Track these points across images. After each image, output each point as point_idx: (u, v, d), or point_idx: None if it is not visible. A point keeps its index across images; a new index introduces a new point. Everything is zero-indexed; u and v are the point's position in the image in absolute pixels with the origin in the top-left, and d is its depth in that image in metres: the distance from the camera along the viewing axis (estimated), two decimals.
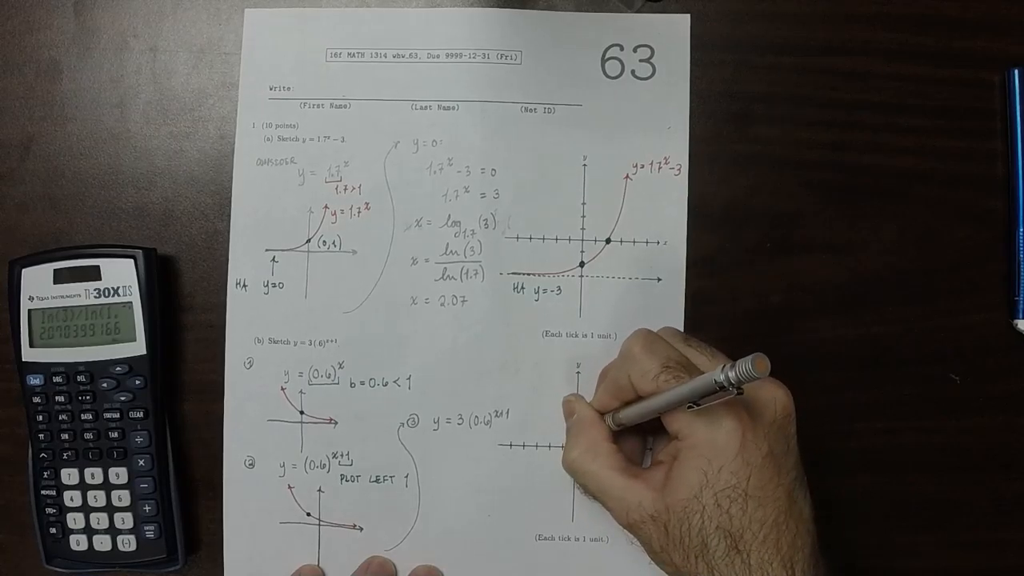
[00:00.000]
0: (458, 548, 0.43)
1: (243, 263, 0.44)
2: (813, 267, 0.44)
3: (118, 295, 0.42)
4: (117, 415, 0.42)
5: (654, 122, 0.44)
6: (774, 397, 0.36)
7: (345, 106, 0.44)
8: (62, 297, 0.42)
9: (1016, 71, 0.44)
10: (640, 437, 0.42)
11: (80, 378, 0.42)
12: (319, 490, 0.44)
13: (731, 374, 0.30)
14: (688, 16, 0.44)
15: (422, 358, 0.44)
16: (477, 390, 0.43)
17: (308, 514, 0.44)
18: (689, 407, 0.34)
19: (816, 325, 0.44)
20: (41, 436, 0.42)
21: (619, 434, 0.40)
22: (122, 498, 0.42)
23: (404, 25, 0.45)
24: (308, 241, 0.44)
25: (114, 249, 0.42)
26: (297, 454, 0.44)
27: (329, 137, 0.44)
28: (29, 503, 0.43)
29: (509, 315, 0.44)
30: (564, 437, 0.43)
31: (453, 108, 0.44)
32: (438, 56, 0.44)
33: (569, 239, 0.44)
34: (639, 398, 0.38)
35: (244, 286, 0.44)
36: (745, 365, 0.30)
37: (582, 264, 0.44)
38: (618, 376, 0.39)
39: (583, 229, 0.44)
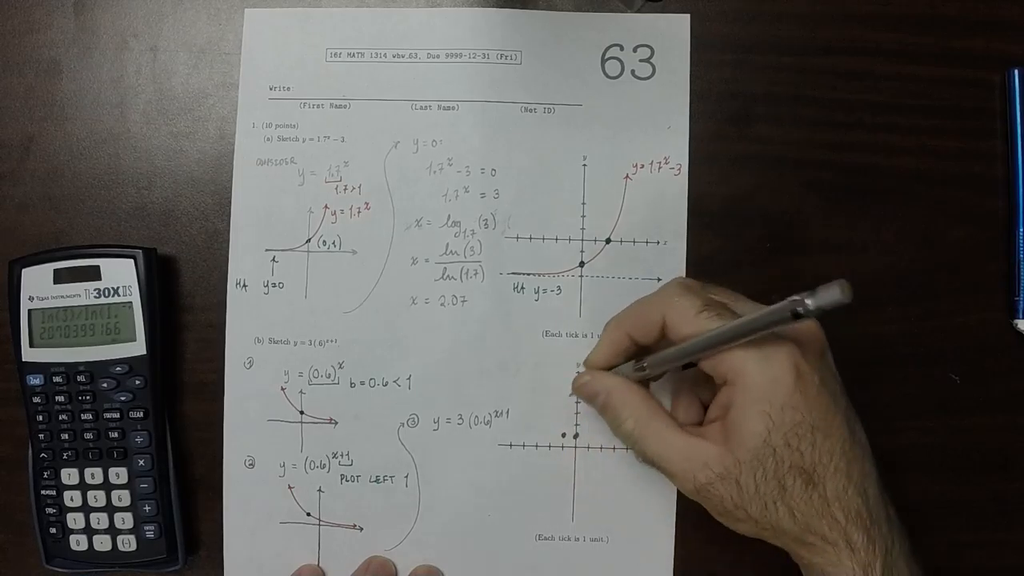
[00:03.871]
0: (458, 548, 0.43)
1: (243, 263, 0.44)
2: (813, 267, 0.44)
3: (118, 295, 0.42)
4: (117, 415, 0.42)
5: (654, 122, 0.44)
6: (808, 327, 0.35)
7: (345, 106, 0.44)
8: (62, 297, 0.42)
9: (1016, 71, 0.44)
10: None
11: (80, 378, 0.42)
12: (319, 490, 0.44)
13: (811, 301, 0.29)
14: (688, 16, 0.44)
15: (422, 358, 0.44)
16: (477, 390, 0.43)
17: (308, 514, 0.44)
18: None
19: None
20: (41, 436, 0.42)
21: None
22: (122, 498, 0.42)
23: (404, 25, 0.45)
24: (308, 241, 0.44)
25: (114, 249, 0.42)
26: (297, 454, 0.44)
27: (329, 137, 0.44)
28: (29, 503, 0.43)
29: (509, 315, 0.44)
30: (564, 437, 0.43)
31: (453, 108, 0.44)
32: (438, 56, 0.44)
33: (569, 239, 0.44)
34: (646, 350, 0.37)
35: (244, 286, 0.44)
36: (831, 291, 0.28)
37: (582, 264, 0.44)
38: (647, 318, 0.37)
39: (583, 229, 0.44)
